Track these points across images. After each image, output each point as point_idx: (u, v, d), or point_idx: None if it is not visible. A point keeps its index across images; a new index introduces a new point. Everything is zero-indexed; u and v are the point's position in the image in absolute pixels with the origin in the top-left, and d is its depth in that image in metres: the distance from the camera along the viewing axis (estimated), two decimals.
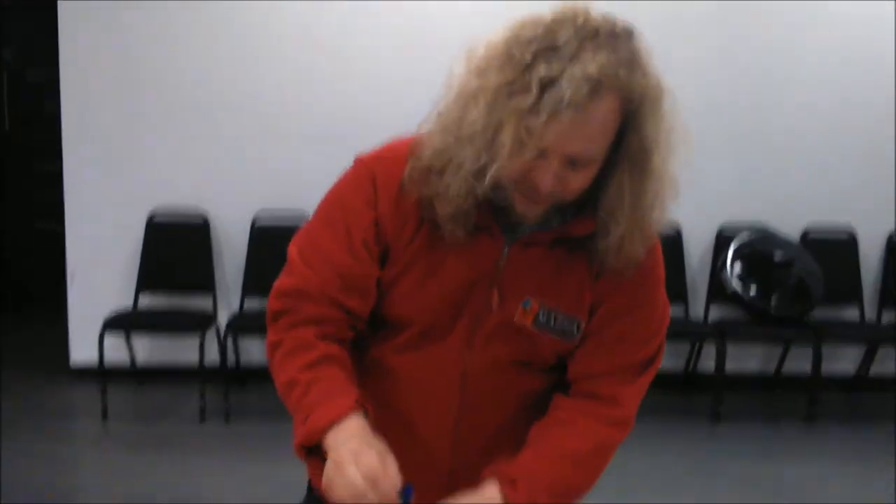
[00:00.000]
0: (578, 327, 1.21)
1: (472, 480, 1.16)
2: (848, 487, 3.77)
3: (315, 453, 1.12)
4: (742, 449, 4.23)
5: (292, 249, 1.25)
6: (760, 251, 4.59)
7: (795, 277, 4.54)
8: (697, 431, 4.45)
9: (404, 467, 1.08)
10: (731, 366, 4.64)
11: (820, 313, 4.67)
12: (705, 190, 4.42)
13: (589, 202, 1.16)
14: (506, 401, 1.27)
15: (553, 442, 1.21)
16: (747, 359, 4.98)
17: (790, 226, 4.75)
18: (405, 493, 1.04)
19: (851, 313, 4.84)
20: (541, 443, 1.22)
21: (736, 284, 4.53)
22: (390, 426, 1.14)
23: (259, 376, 4.73)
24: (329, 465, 1.06)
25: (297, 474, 1.52)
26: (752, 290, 4.51)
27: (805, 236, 4.78)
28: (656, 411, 4.54)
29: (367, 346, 1.28)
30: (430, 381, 1.24)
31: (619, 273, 1.19)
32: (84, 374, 4.74)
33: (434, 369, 1.23)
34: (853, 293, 4.80)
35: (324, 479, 1.07)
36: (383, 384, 1.25)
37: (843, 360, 4.99)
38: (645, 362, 1.26)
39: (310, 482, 1.42)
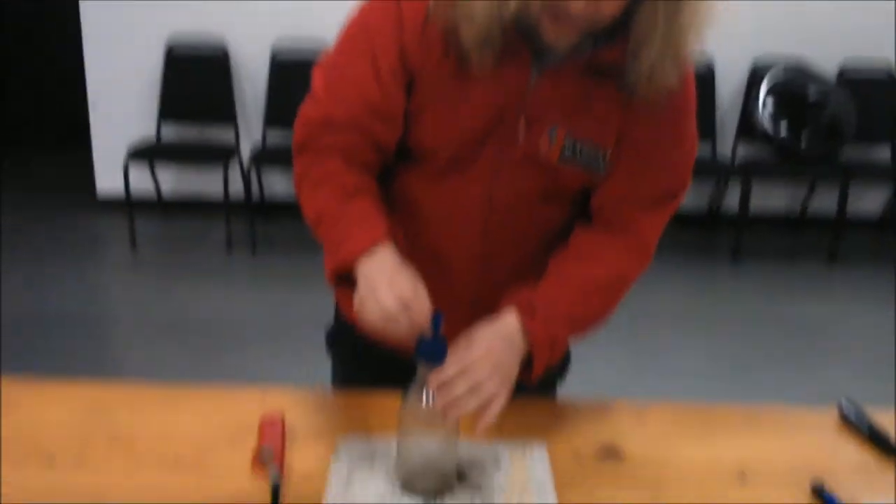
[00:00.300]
0: (604, 159, 1.19)
1: (494, 311, 1.17)
2: (868, 327, 3.82)
3: (346, 282, 1.14)
4: (762, 288, 4.28)
5: (316, 78, 1.22)
6: (794, 88, 4.45)
7: (828, 116, 4.42)
8: (718, 270, 4.49)
9: (428, 297, 1.09)
10: (755, 206, 4.63)
11: (849, 152, 4.59)
12: (740, 22, 4.23)
13: (621, 29, 1.11)
14: (530, 232, 1.26)
15: (571, 271, 1.22)
16: (772, 199, 4.95)
17: (826, 61, 4.59)
18: (434, 320, 1.05)
19: (881, 153, 4.75)
20: (559, 272, 1.22)
21: (767, 122, 4.43)
22: (415, 258, 1.15)
23: (283, 209, 4.79)
24: (362, 289, 1.07)
25: (322, 303, 1.55)
26: (783, 129, 4.42)
27: (841, 73, 4.63)
28: (677, 249, 4.59)
29: (392, 178, 1.27)
30: (455, 213, 1.23)
31: (649, 103, 1.15)
32: (110, 204, 4.81)
33: (459, 200, 1.22)
34: (886, 132, 4.69)
35: (355, 303, 1.08)
36: (408, 216, 1.25)
37: (868, 201, 4.96)
38: (669, 194, 1.24)
39: (337, 309, 1.45)
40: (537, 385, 1.20)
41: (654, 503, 1.08)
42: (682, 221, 4.92)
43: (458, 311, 1.19)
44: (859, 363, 3.46)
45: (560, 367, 1.44)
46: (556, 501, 1.06)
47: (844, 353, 3.58)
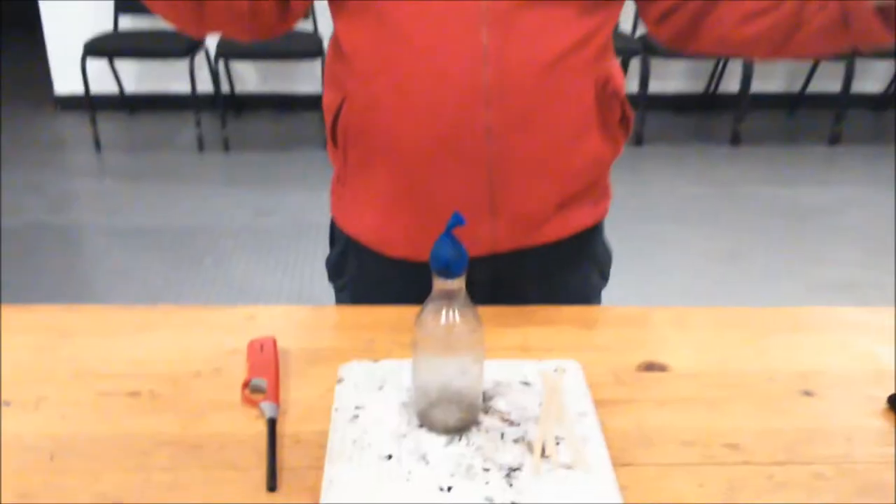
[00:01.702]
0: None
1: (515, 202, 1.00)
2: (869, 210, 3.71)
3: None
4: (762, 172, 4.13)
5: None
6: None
7: None
8: (716, 154, 4.32)
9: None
10: (755, 86, 4.43)
11: None
12: None
13: None
14: (542, 49, 1.01)
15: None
16: (772, 78, 4.76)
17: None
18: (451, 224, 0.86)
19: None
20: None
21: None
22: (407, 100, 0.99)
23: (255, 104, 4.54)
24: None
25: (303, 205, 1.37)
26: None
27: None
28: (675, 134, 4.41)
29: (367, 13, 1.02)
30: (448, 27, 0.99)
31: None
32: (70, 103, 4.53)
33: (448, 15, 0.98)
34: None
35: None
36: (393, 58, 1.01)
37: (872, 79, 4.78)
38: None
39: (333, 229, 1.26)
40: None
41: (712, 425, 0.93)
42: (679, 105, 4.74)
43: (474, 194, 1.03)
44: (862, 247, 3.34)
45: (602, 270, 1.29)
46: (600, 431, 0.91)
47: (847, 237, 3.46)
